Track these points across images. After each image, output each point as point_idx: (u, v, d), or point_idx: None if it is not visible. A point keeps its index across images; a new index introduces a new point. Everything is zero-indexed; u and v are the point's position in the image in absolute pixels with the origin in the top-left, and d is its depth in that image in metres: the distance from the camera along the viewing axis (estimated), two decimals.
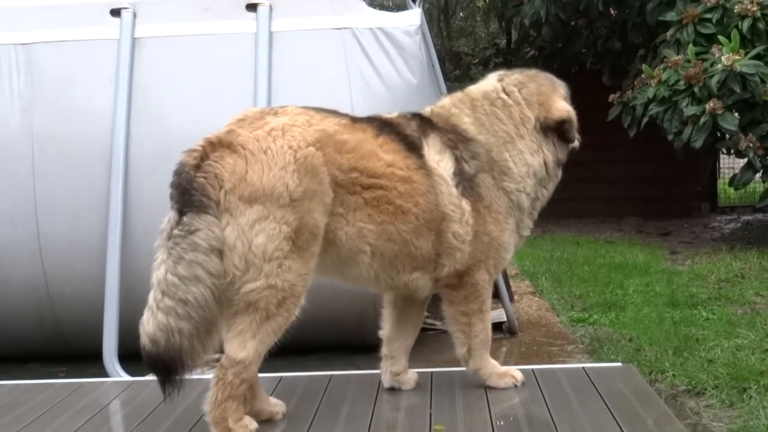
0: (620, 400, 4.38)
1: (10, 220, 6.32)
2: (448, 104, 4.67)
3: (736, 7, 10.85)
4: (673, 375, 5.63)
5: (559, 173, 4.73)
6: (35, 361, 6.48)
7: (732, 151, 11.54)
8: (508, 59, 16.87)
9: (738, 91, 10.43)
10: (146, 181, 6.15)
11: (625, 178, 15.35)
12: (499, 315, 7.04)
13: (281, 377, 5.02)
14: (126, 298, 5.91)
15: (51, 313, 6.40)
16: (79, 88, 6.49)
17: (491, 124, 4.57)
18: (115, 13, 6.63)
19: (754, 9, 10.75)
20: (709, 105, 10.47)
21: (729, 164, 17.02)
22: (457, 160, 4.44)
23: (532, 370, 4.98)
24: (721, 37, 10.61)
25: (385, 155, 4.29)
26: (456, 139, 4.49)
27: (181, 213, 3.92)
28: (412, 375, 4.79)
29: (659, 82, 11.09)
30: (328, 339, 6.38)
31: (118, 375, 5.82)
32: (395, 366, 4.74)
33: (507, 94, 4.66)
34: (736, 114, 10.80)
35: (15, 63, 6.53)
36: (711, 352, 6.01)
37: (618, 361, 5.70)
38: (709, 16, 11.15)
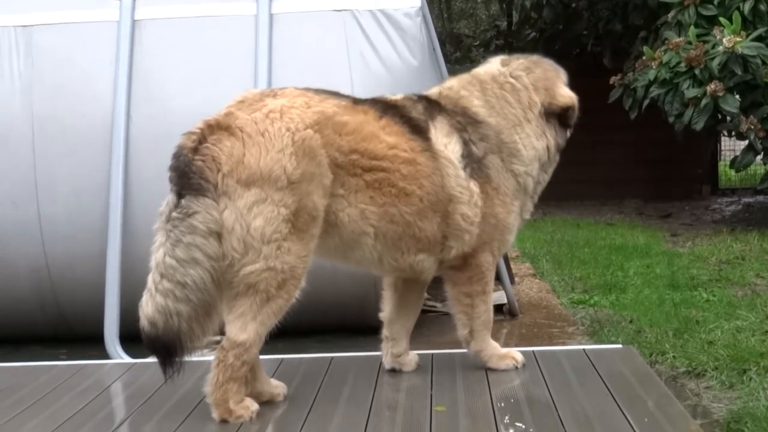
0: (620, 382, 4.39)
1: (11, 201, 6.32)
2: (457, 86, 4.65)
3: None
4: (674, 356, 5.64)
5: (558, 158, 4.75)
6: (36, 343, 6.48)
7: (733, 133, 11.53)
8: (508, 41, 16.83)
9: (739, 73, 10.41)
10: (147, 163, 6.14)
11: (626, 160, 15.32)
12: (500, 297, 7.05)
13: (282, 359, 5.03)
14: (127, 279, 5.91)
15: (52, 295, 6.41)
16: (79, 71, 6.47)
17: (501, 108, 4.58)
18: None
19: None
20: (711, 87, 10.44)
21: (730, 146, 17.00)
22: (465, 143, 4.45)
23: (533, 351, 4.99)
24: (722, 19, 10.57)
25: (388, 137, 4.29)
26: (465, 122, 4.50)
27: (179, 196, 3.93)
28: (413, 357, 4.80)
29: (660, 64, 11.06)
30: (329, 321, 6.39)
31: (120, 357, 5.83)
32: (396, 348, 4.75)
33: (514, 78, 4.66)
34: (737, 96, 10.77)
35: (15, 45, 6.52)
36: (711, 334, 6.01)
37: (618, 343, 5.70)
38: None
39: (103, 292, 6.04)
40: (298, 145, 4.04)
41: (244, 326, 3.98)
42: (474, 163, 4.44)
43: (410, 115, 4.42)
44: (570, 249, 10.21)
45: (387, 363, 4.77)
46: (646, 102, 11.36)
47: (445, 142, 4.41)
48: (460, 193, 4.39)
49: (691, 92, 10.68)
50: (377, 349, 4.84)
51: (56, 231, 6.31)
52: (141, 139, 6.27)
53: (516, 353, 4.75)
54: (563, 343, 6.20)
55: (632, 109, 11.90)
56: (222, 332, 4.07)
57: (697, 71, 10.68)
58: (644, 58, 11.47)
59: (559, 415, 3.95)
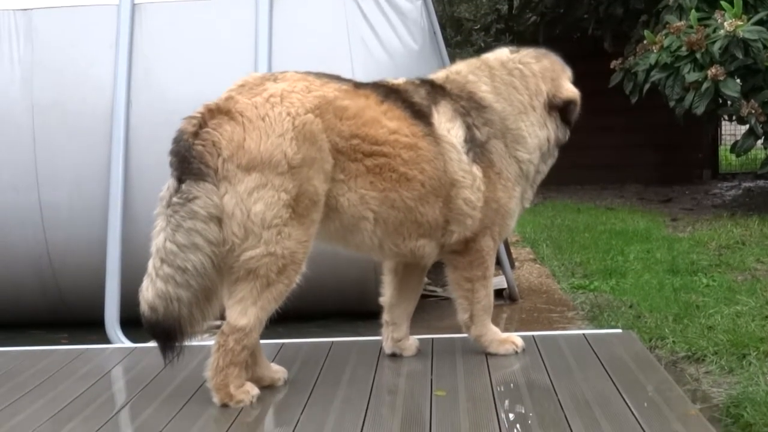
0: (620, 367, 4.40)
1: (12, 187, 6.31)
2: (465, 71, 4.65)
3: None
4: (673, 341, 5.65)
5: (556, 153, 4.77)
6: (38, 327, 6.50)
7: (734, 117, 11.49)
8: (509, 25, 16.79)
9: (740, 57, 10.38)
10: (147, 148, 6.13)
11: (627, 144, 15.30)
12: (500, 282, 7.06)
13: (283, 344, 5.04)
14: (127, 264, 5.92)
15: (53, 281, 6.42)
16: (79, 55, 6.46)
17: (508, 94, 4.59)
18: None
19: None
20: (711, 71, 10.42)
21: (730, 131, 16.98)
22: (469, 127, 4.45)
23: (533, 336, 5.00)
24: (723, 3, 10.54)
25: (389, 122, 4.28)
26: (469, 106, 4.49)
27: (179, 181, 3.93)
28: (413, 341, 4.81)
29: (661, 48, 11.03)
30: (329, 306, 6.40)
31: (120, 341, 5.84)
32: (396, 332, 4.76)
33: (523, 64, 4.68)
34: (738, 80, 10.76)
35: (15, 29, 6.49)
36: (711, 319, 6.02)
37: (618, 328, 5.71)
38: None
39: (103, 278, 6.04)
40: (299, 130, 4.03)
41: (244, 311, 3.98)
42: (477, 148, 4.44)
43: (412, 100, 4.41)
44: (570, 234, 10.21)
45: (387, 348, 4.78)
46: (647, 86, 11.34)
47: (449, 126, 4.41)
48: (462, 177, 4.39)
49: (691, 76, 10.66)
50: (377, 333, 4.84)
51: (57, 217, 6.31)
52: (141, 125, 6.26)
53: (516, 338, 4.76)
54: (563, 328, 6.21)
55: (633, 94, 11.88)
56: (222, 317, 4.07)
57: (698, 55, 10.66)
58: (645, 42, 11.44)
59: (558, 399, 3.96)
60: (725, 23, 10.34)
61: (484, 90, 4.56)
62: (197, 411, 3.99)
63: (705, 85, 10.52)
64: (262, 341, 4.26)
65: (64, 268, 6.37)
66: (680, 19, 11.11)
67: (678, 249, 8.78)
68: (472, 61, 4.74)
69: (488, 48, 15.60)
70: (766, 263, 8.10)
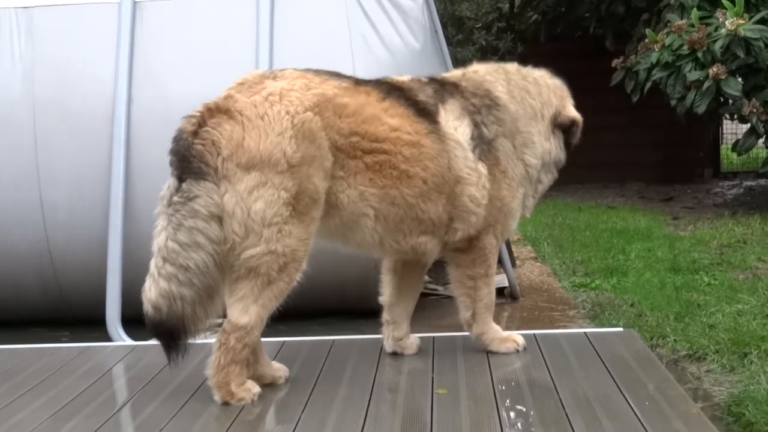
0: (621, 365, 4.40)
1: (13, 184, 6.31)
2: (483, 71, 4.72)
3: None
4: (675, 340, 5.64)
5: (556, 173, 4.83)
6: (39, 325, 6.50)
7: (735, 116, 11.49)
8: (511, 24, 16.75)
9: (742, 56, 10.38)
10: (148, 147, 6.13)
11: (628, 143, 15.28)
12: (501, 280, 7.05)
13: (284, 342, 5.04)
14: (129, 262, 5.92)
15: (54, 279, 6.41)
16: (80, 53, 6.45)
17: (522, 98, 4.65)
18: None
19: None
20: (713, 70, 10.41)
21: (732, 130, 16.95)
22: (476, 125, 4.47)
23: (534, 334, 5.00)
24: (725, 2, 10.53)
25: (390, 119, 4.28)
26: (481, 104, 4.53)
27: (180, 180, 3.93)
28: (414, 340, 4.81)
29: (663, 47, 11.02)
30: (330, 304, 6.39)
31: (121, 339, 5.84)
32: (397, 331, 4.76)
33: (537, 76, 4.78)
34: (740, 79, 10.75)
35: (16, 27, 6.49)
36: (712, 318, 6.02)
37: (619, 326, 5.71)
38: None
39: (104, 276, 6.04)
40: (298, 128, 4.03)
41: (245, 309, 3.98)
42: (483, 145, 4.46)
43: (417, 98, 4.42)
44: (571, 232, 10.21)
45: (388, 346, 4.78)
46: (648, 85, 11.32)
47: (456, 125, 4.42)
48: (468, 174, 4.40)
49: (693, 75, 10.65)
50: (378, 332, 4.85)
51: (58, 216, 6.31)
52: (142, 123, 6.26)
53: (517, 336, 4.76)
54: (564, 327, 6.21)
55: (634, 92, 11.86)
56: (224, 315, 4.07)
57: (699, 54, 10.65)
58: (646, 40, 11.43)
59: (559, 398, 3.96)
60: (727, 22, 10.34)
61: (500, 90, 4.62)
62: (198, 409, 3.99)
63: (706, 84, 10.51)
64: (263, 339, 4.26)
65: (65, 266, 6.37)
66: (682, 18, 11.10)
67: (679, 248, 8.77)
68: (490, 65, 4.83)
69: (489, 46, 15.63)
70: (767, 262, 8.10)
